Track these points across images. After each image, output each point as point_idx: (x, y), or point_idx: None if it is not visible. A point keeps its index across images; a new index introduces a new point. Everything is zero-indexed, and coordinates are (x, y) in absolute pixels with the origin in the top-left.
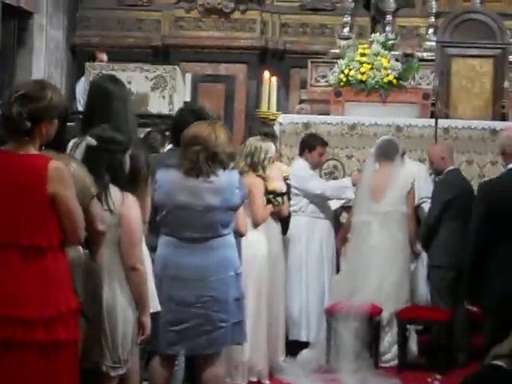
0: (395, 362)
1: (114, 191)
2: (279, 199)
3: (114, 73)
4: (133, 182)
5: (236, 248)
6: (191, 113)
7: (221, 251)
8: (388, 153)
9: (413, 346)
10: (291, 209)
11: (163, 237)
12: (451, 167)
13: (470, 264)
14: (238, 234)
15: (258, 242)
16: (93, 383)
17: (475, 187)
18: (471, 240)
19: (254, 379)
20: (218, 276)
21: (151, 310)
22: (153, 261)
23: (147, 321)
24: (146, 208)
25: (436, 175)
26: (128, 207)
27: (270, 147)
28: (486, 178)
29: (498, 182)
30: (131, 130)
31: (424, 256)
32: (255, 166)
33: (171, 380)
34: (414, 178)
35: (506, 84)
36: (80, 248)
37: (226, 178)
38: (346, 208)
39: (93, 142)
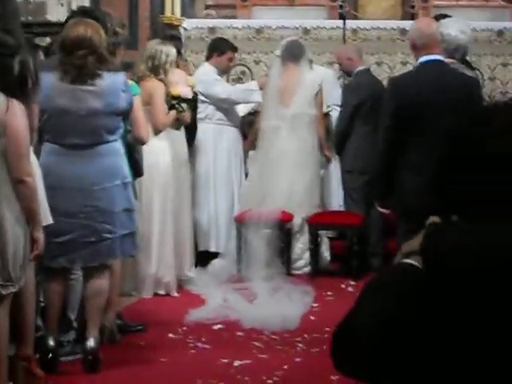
0: (308, 269)
1: None
2: (184, 105)
3: None
4: (20, 89)
5: (124, 156)
6: (84, 14)
7: (105, 159)
8: (294, 54)
9: (325, 251)
10: (198, 116)
11: (45, 144)
12: (360, 68)
13: (379, 164)
14: (139, 142)
15: (161, 150)
16: None
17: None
18: (381, 139)
19: (162, 292)
20: (102, 185)
21: (44, 223)
22: None
23: (39, 236)
24: (33, 116)
25: (347, 77)
26: (13, 115)
27: (171, 50)
28: None
29: (408, 77)
30: (19, 33)
31: (336, 161)
32: (156, 69)
33: (70, 294)
34: (321, 80)
35: None
36: None
37: (109, 80)
38: (255, 114)
39: None
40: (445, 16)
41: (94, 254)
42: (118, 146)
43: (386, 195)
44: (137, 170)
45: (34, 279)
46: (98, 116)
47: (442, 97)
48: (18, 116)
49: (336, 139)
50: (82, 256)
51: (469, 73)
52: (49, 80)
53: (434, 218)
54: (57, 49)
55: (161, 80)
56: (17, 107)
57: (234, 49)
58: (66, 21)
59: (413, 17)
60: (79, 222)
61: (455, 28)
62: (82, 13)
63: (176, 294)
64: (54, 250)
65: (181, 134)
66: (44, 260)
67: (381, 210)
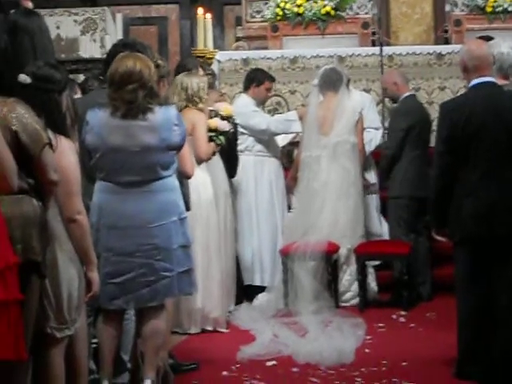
0: (356, 301)
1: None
2: (222, 138)
3: None
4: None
5: (179, 191)
6: (124, 47)
7: (161, 195)
8: (332, 82)
9: (371, 282)
10: (238, 148)
11: (99, 182)
12: (407, 93)
13: (436, 191)
14: (185, 176)
15: (203, 184)
16: (40, 346)
17: None
18: (436, 164)
19: (210, 328)
20: (159, 222)
21: None
22: (88, 209)
23: (95, 276)
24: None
25: (393, 102)
26: (63, 153)
27: (201, 78)
28: (434, 105)
29: (461, 101)
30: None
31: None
32: (191, 99)
33: (122, 335)
34: (361, 107)
35: (448, 8)
36: (34, 200)
37: (162, 114)
38: (295, 144)
39: (27, 79)
40: (489, 38)
41: (153, 294)
42: (173, 181)
43: (443, 222)
44: (185, 204)
45: (85, 321)
46: (153, 152)
47: (496, 119)
48: (67, 154)
49: (385, 164)
50: (141, 296)
51: None
52: (99, 117)
53: None
54: (106, 83)
55: (201, 109)
56: (66, 145)
57: (272, 79)
58: (108, 55)
59: (446, 41)
60: (137, 261)
61: (506, 46)
62: (122, 46)
63: (224, 330)
64: (111, 292)
65: (220, 165)
66: (100, 301)
67: (438, 237)
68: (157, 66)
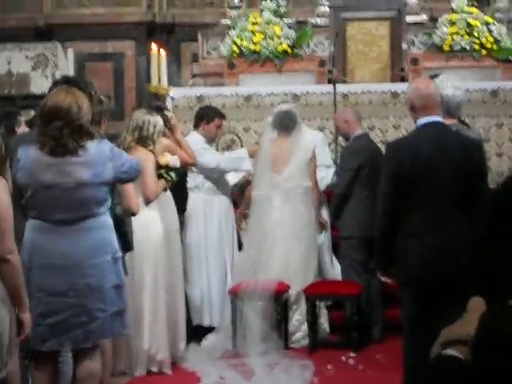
0: (306, 341)
1: None
2: (172, 174)
3: None
4: None
5: (113, 229)
6: (66, 83)
7: (95, 233)
8: (287, 124)
9: (324, 323)
10: (187, 185)
11: (30, 220)
12: (358, 132)
13: (380, 232)
14: (129, 213)
15: (153, 221)
16: None
17: None
18: (381, 205)
19: (155, 369)
20: (92, 261)
21: None
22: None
23: (26, 317)
24: None
25: (345, 141)
26: None
27: (158, 120)
28: None
29: (408, 141)
30: None
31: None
32: (144, 140)
33: (59, 378)
34: (314, 146)
35: (405, 46)
36: None
37: (95, 149)
38: (248, 182)
39: None
40: (435, 76)
41: (86, 335)
42: (107, 219)
43: (388, 263)
44: (126, 244)
45: (18, 364)
46: (87, 187)
47: (443, 159)
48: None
49: (334, 204)
50: (74, 337)
51: (471, 134)
52: (30, 154)
53: (477, 300)
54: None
55: (150, 151)
56: None
57: (222, 116)
58: (49, 92)
59: (403, 79)
60: (69, 301)
61: (450, 86)
62: (64, 82)
63: (170, 372)
64: (44, 333)
65: (171, 202)
66: (32, 343)
67: (383, 278)
68: (99, 102)
